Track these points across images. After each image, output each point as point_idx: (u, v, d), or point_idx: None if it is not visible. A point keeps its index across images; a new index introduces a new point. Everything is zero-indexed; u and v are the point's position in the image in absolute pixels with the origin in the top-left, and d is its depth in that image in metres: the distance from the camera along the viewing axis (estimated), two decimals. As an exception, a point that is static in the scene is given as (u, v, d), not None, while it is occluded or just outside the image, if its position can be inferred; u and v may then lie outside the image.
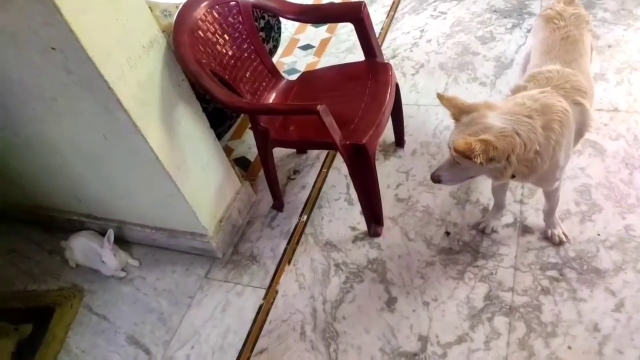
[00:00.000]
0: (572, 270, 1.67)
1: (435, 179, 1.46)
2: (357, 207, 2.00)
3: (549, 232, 1.75)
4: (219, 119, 2.12)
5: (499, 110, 1.36)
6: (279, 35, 2.46)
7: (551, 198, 1.67)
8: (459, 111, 1.40)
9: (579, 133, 1.52)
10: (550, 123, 1.34)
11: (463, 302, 1.67)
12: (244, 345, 1.72)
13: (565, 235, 1.73)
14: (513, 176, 1.38)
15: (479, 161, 1.24)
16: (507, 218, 1.85)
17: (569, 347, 1.50)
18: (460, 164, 1.38)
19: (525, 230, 1.81)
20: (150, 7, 1.51)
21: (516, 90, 1.56)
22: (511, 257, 1.74)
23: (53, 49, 1.34)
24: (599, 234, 1.74)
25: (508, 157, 1.29)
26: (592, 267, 1.66)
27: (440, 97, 1.44)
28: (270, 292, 1.85)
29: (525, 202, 1.89)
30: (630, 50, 2.37)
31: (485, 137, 1.27)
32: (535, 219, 1.82)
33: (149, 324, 1.86)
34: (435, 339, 1.60)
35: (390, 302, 1.72)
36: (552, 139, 1.34)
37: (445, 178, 1.45)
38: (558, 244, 1.73)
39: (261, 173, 2.24)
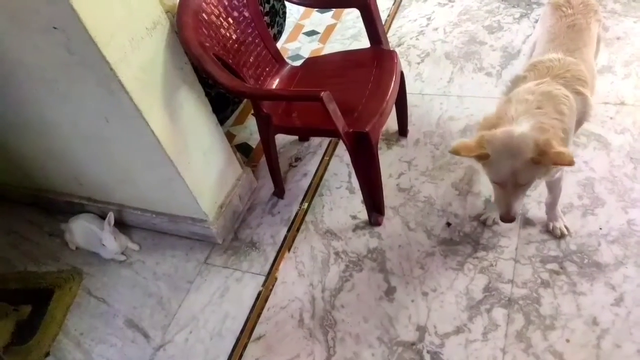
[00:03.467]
0: (572, 263, 1.66)
1: (513, 217, 1.39)
2: (359, 196, 1.99)
3: (551, 225, 1.74)
4: (222, 104, 2.11)
5: (508, 121, 1.34)
6: (284, 21, 2.43)
7: (554, 189, 1.66)
8: (480, 148, 1.32)
9: (579, 122, 1.51)
10: (559, 106, 1.35)
11: (462, 293, 1.66)
12: (242, 331, 1.72)
13: (567, 229, 1.72)
14: None
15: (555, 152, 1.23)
16: (509, 210, 1.84)
17: (567, 340, 1.49)
18: (523, 185, 1.33)
19: (527, 222, 1.80)
20: (153, -12, 1.49)
21: (516, 80, 1.55)
22: (512, 250, 1.74)
23: (55, 28, 1.32)
24: (600, 228, 1.73)
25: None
26: (593, 261, 1.65)
27: (454, 151, 1.34)
28: (270, 279, 1.85)
29: (527, 194, 1.88)
30: (639, 43, 2.34)
31: (537, 137, 1.26)
32: (537, 211, 1.81)
33: (148, 308, 1.86)
34: (433, 329, 1.60)
35: (389, 292, 1.72)
36: (565, 122, 1.35)
37: (517, 207, 1.39)
38: (559, 237, 1.73)
39: (263, 160, 2.23)
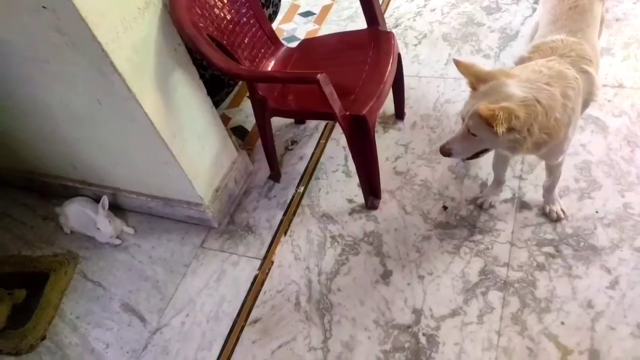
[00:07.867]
0: (568, 246, 1.66)
1: (446, 151, 1.40)
2: (355, 180, 1.98)
3: (547, 208, 1.74)
4: (217, 87, 2.08)
5: (517, 78, 1.32)
6: (279, 1, 2.39)
7: (554, 173, 1.65)
8: (477, 79, 1.35)
9: (585, 103, 1.49)
10: (567, 90, 1.33)
11: (458, 277, 1.67)
12: (238, 315, 1.73)
13: (563, 212, 1.72)
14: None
15: (500, 130, 1.20)
16: (506, 193, 1.84)
17: (562, 323, 1.50)
18: (475, 136, 1.33)
19: (523, 206, 1.80)
20: (145, -33, 1.45)
21: (520, 61, 1.53)
22: (508, 233, 1.74)
23: (44, 7, 1.29)
24: (597, 212, 1.73)
25: (529, 127, 1.25)
26: (589, 244, 1.65)
27: (457, 62, 1.38)
28: (266, 262, 1.85)
29: (524, 177, 1.88)
30: (639, 25, 2.31)
31: (507, 105, 1.23)
32: (534, 195, 1.81)
33: (144, 292, 1.86)
34: (429, 312, 1.61)
35: (386, 275, 1.72)
36: (568, 107, 1.33)
37: (457, 151, 1.40)
38: (555, 220, 1.73)
39: (258, 143, 2.21)
